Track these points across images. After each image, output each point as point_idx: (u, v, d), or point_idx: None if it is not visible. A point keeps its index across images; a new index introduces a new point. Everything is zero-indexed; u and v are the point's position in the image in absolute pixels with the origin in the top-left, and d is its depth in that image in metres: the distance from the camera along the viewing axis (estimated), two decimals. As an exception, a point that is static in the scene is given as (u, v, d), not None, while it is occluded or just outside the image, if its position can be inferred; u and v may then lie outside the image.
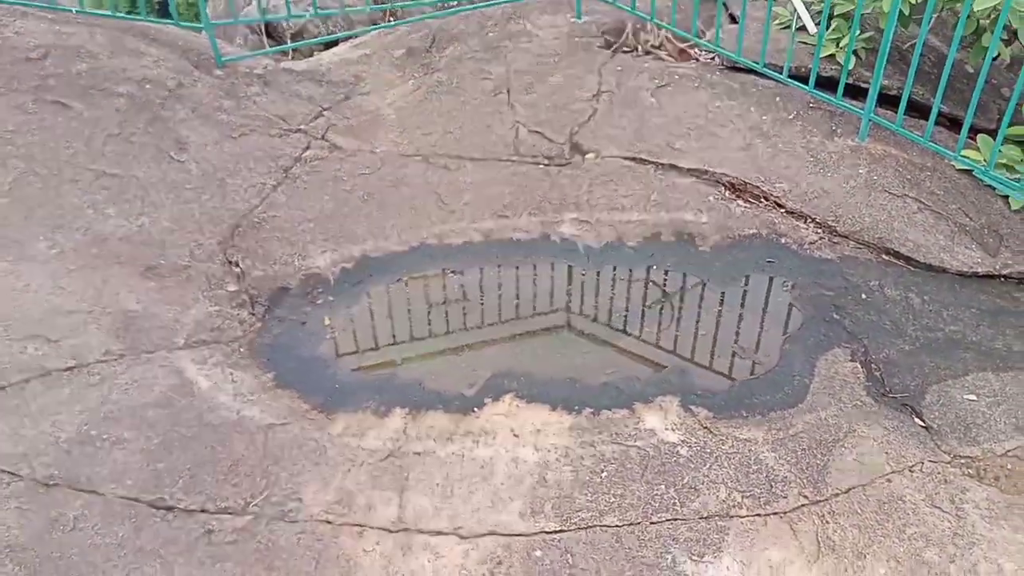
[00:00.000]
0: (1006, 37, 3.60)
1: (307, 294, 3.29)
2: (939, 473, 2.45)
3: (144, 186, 3.71)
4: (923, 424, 2.63)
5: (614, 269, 3.36)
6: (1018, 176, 3.46)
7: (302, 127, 4.37)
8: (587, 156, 4.02)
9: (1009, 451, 2.52)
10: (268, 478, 2.47)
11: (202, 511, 2.36)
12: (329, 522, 2.33)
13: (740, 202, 3.66)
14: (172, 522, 2.33)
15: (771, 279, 3.28)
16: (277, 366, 2.95)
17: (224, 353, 2.97)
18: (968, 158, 3.58)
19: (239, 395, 2.78)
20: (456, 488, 2.42)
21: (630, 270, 3.35)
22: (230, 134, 4.28)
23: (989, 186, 3.61)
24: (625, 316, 3.12)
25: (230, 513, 2.36)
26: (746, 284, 3.26)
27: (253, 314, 3.18)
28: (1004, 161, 3.52)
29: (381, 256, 3.46)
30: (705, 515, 2.30)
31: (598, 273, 3.35)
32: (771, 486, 2.39)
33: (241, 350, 3.00)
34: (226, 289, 3.29)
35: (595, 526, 2.28)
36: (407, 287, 3.32)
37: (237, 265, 3.40)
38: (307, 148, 4.17)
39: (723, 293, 3.21)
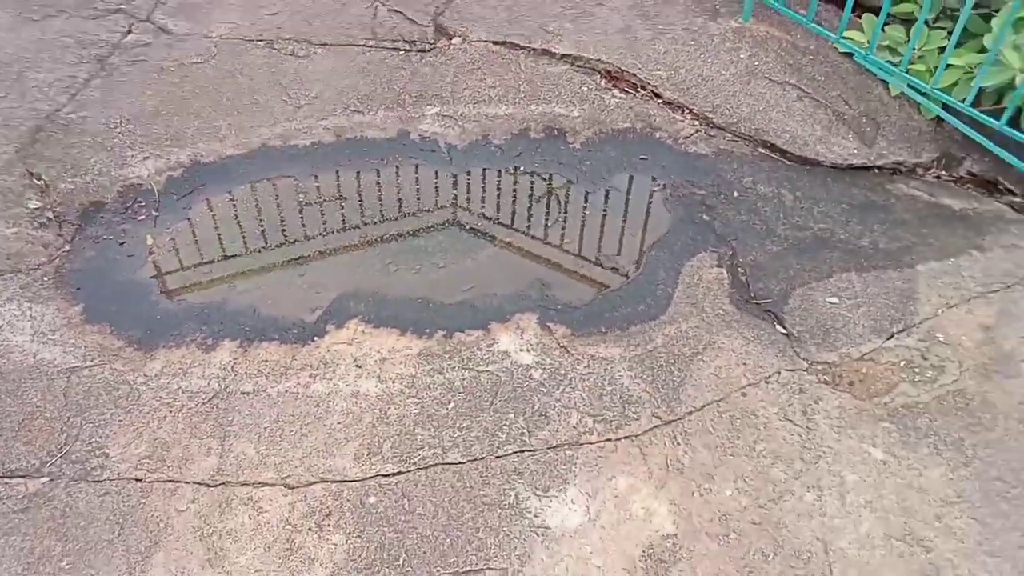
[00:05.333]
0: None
1: (126, 209, 2.88)
2: (795, 383, 2.39)
3: (-83, 83, 3.11)
4: (784, 331, 2.55)
5: (482, 173, 3.07)
6: (900, 59, 3.28)
7: (122, 6, 3.74)
8: (452, 40, 3.61)
9: (865, 354, 2.48)
10: (69, 432, 2.18)
11: (-12, 476, 2.08)
12: (139, 479, 2.09)
13: (616, 92, 3.38)
14: (-46, 490, 2.04)
15: (642, 179, 3.07)
16: (87, 296, 2.59)
17: (22, 284, 2.58)
18: (850, 40, 3.37)
19: (38, 334, 2.43)
20: (286, 431, 2.20)
21: (495, 172, 3.07)
22: (30, 15, 3.64)
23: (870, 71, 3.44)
24: (486, 225, 2.87)
25: (21, 476, 2.08)
26: (615, 185, 3.04)
27: (60, 235, 2.76)
28: (887, 43, 3.33)
29: (214, 161, 3.05)
30: (554, 444, 2.18)
31: (461, 176, 3.06)
32: (624, 408, 2.28)
33: (44, 280, 2.62)
34: (26, 206, 2.83)
35: (436, 465, 2.13)
36: (242, 199, 2.95)
37: (40, 177, 2.93)
38: (128, 32, 3.59)
39: (589, 196, 2.99)
